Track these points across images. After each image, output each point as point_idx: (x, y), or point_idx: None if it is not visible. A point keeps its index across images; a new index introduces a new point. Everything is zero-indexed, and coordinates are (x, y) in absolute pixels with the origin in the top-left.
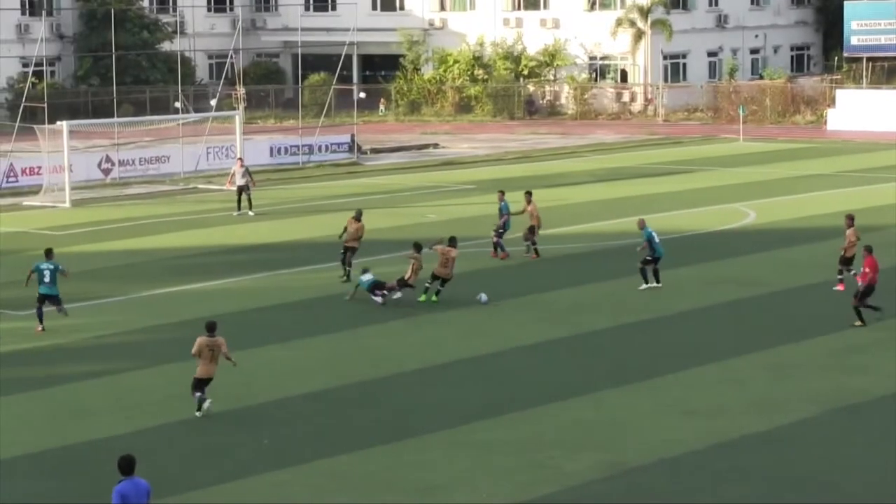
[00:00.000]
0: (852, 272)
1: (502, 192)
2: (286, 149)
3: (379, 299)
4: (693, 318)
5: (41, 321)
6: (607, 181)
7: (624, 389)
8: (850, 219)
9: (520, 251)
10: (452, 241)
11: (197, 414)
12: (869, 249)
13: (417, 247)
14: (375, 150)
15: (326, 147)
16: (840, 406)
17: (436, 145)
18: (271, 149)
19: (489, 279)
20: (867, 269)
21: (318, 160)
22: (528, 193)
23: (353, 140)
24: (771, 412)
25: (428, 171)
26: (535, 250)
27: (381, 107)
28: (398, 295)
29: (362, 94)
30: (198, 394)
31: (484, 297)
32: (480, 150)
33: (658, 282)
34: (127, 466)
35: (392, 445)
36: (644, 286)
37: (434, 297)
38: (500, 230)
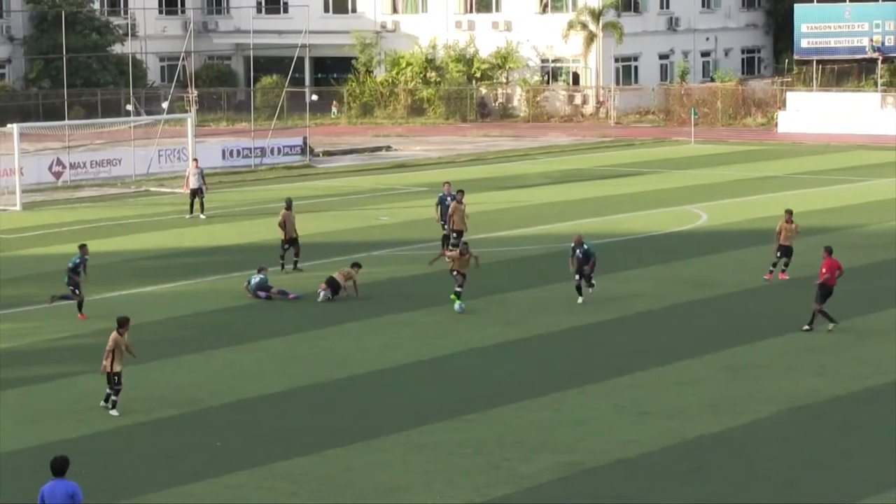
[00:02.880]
0: (781, 262)
1: (448, 184)
2: (238, 151)
3: (263, 294)
4: (648, 319)
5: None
6: (560, 183)
7: (581, 391)
8: (788, 213)
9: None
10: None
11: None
12: (829, 251)
13: (357, 265)
14: (328, 153)
15: (279, 149)
16: (796, 406)
17: (388, 148)
18: (223, 151)
19: (447, 280)
20: (824, 270)
21: (270, 163)
22: (460, 192)
23: (305, 142)
24: (727, 413)
25: (380, 173)
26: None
27: (334, 109)
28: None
29: (314, 97)
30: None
31: (458, 306)
32: (433, 153)
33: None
34: (57, 467)
35: (349, 447)
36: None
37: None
38: (444, 223)
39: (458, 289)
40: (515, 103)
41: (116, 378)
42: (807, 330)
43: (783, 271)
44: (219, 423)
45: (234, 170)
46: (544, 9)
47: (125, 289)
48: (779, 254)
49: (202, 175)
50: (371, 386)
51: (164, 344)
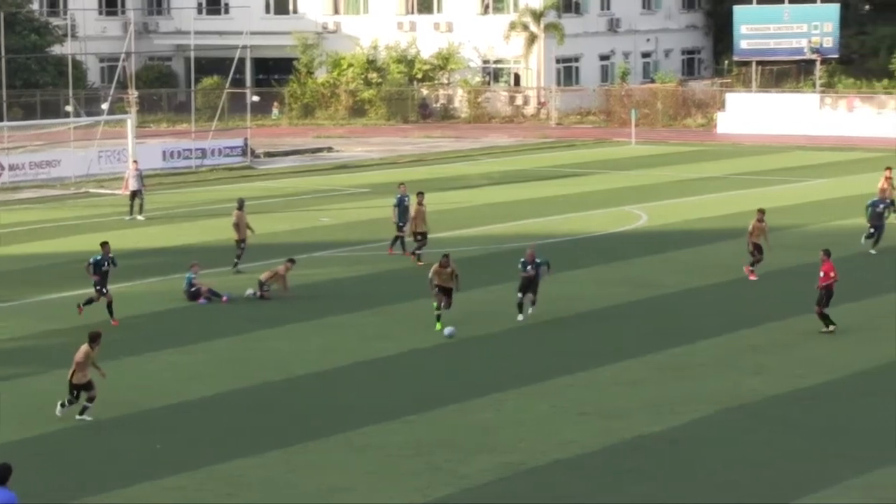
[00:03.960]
0: (755, 264)
1: (403, 185)
2: (179, 153)
3: (203, 301)
4: (589, 320)
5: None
6: (501, 184)
7: (521, 391)
8: (760, 212)
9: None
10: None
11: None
12: (827, 253)
13: (291, 261)
14: (269, 154)
15: (220, 151)
16: (734, 406)
17: (329, 149)
18: (164, 153)
19: (388, 282)
20: (823, 273)
21: (211, 164)
22: (420, 194)
23: (246, 144)
24: (666, 413)
25: (322, 174)
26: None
27: (275, 110)
28: (250, 292)
29: (256, 98)
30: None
31: (449, 330)
32: (374, 154)
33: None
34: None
35: (289, 449)
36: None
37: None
38: (401, 224)
39: (437, 311)
40: (457, 104)
41: (76, 391)
42: (830, 331)
43: (752, 271)
44: (159, 426)
45: (174, 171)
46: (486, 10)
47: (66, 291)
48: (755, 253)
49: (142, 177)
50: (311, 387)
51: (104, 346)
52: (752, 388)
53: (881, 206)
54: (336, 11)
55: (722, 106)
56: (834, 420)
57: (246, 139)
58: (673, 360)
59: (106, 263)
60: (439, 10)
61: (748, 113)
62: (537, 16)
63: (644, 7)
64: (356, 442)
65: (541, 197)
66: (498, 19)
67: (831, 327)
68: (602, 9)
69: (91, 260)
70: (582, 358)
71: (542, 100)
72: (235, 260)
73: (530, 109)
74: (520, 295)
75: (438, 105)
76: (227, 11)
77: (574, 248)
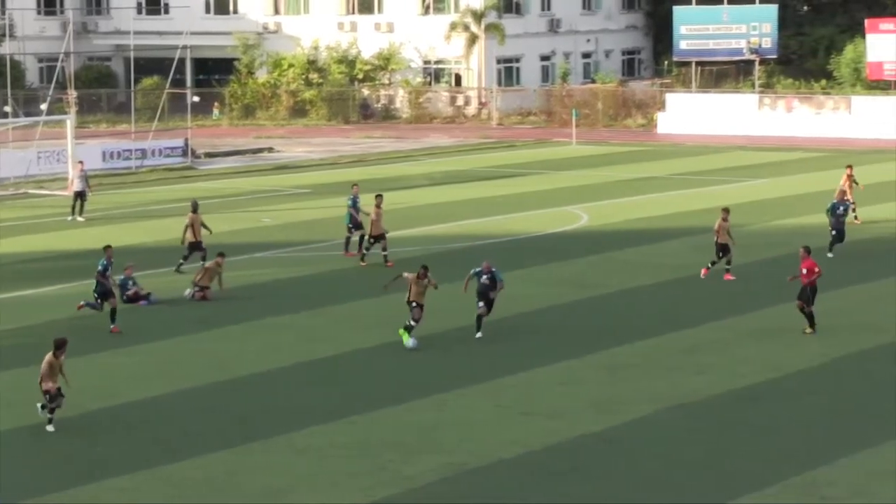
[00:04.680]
0: (724, 262)
1: (356, 186)
2: (119, 153)
3: (144, 303)
4: (530, 320)
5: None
6: (443, 185)
7: (463, 391)
8: (725, 211)
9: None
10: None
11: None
12: (807, 251)
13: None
14: (210, 155)
15: (160, 151)
16: (676, 405)
17: (270, 149)
18: (104, 153)
19: (329, 283)
20: (805, 270)
21: (151, 164)
22: (378, 196)
23: (186, 144)
24: (608, 412)
25: (263, 175)
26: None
27: (215, 111)
28: (189, 291)
29: (196, 98)
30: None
31: (412, 342)
32: (315, 154)
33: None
34: None
35: (231, 450)
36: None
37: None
38: (351, 226)
39: (411, 322)
40: (398, 105)
41: (48, 395)
42: (810, 333)
43: (728, 272)
44: (100, 428)
45: (114, 172)
46: (426, 10)
47: (5, 292)
48: (720, 253)
49: (86, 178)
50: (253, 388)
51: (45, 348)
52: (692, 387)
53: (841, 208)
54: (276, 12)
55: (662, 106)
56: (774, 419)
57: (186, 140)
58: (614, 359)
59: (110, 268)
60: (380, 10)
61: (688, 113)
62: (478, 16)
63: (584, 8)
64: (299, 443)
65: (482, 197)
66: (439, 20)
67: (808, 330)
68: (542, 9)
69: (99, 267)
70: (524, 358)
71: (483, 100)
72: (181, 261)
73: (471, 110)
74: (480, 304)
75: (379, 105)
76: (166, 11)
77: (515, 249)
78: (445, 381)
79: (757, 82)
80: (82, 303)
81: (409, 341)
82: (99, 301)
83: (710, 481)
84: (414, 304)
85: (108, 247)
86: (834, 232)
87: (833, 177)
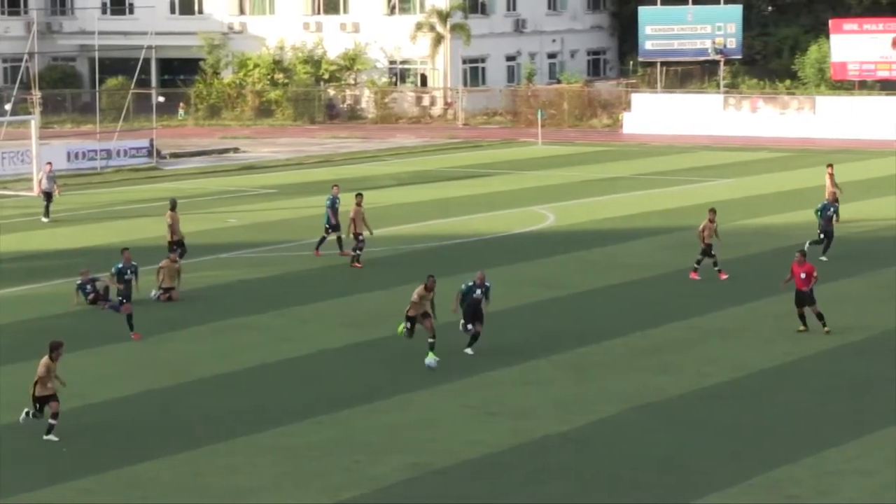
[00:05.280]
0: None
1: (337, 187)
2: (84, 154)
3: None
4: (496, 320)
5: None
6: (409, 185)
7: (429, 392)
8: (712, 212)
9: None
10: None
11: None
12: (804, 255)
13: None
14: (175, 155)
15: (125, 151)
16: (640, 405)
17: (236, 149)
18: (69, 154)
19: (295, 283)
20: (804, 276)
21: (116, 165)
22: (359, 195)
23: (152, 144)
24: (574, 412)
25: (228, 175)
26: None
27: (181, 111)
28: (155, 293)
29: (161, 99)
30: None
31: (432, 361)
32: (281, 155)
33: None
34: None
35: (198, 451)
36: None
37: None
38: (328, 226)
39: (430, 339)
40: (364, 105)
41: (38, 405)
42: (827, 332)
43: (721, 271)
44: (65, 429)
45: (79, 172)
46: (392, 11)
47: None
48: (705, 253)
49: (54, 178)
50: (219, 389)
51: (8, 349)
52: (658, 386)
53: (831, 210)
54: (242, 12)
55: (627, 106)
56: (739, 418)
57: (151, 140)
58: (580, 359)
59: (128, 272)
60: (345, 10)
61: (653, 113)
62: (444, 16)
63: (550, 8)
64: (265, 443)
65: (448, 197)
66: (404, 20)
67: (823, 328)
68: (508, 10)
69: (113, 269)
70: (490, 358)
71: (449, 100)
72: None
73: (437, 110)
74: (469, 326)
75: (345, 106)
76: (131, 11)
77: (481, 249)
78: (411, 381)
79: (722, 82)
80: (106, 305)
81: (431, 360)
82: (123, 302)
83: (676, 481)
84: (413, 319)
85: (125, 249)
86: (821, 234)
87: (798, 177)
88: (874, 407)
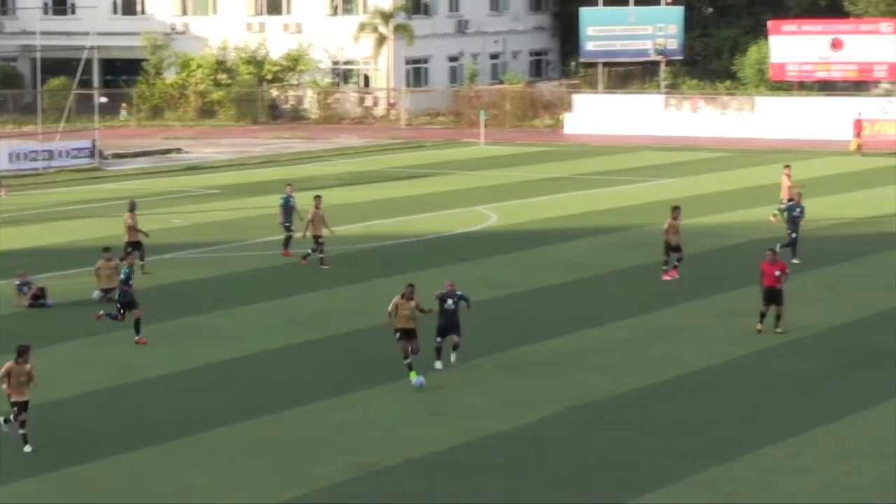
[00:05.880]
0: (673, 259)
1: (290, 186)
2: (26, 154)
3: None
4: (420, 321)
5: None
6: (352, 185)
7: (373, 391)
8: (675, 210)
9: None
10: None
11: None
12: (774, 252)
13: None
14: (118, 156)
15: (67, 152)
16: (583, 404)
17: (179, 150)
18: (10, 154)
19: (239, 283)
20: (777, 273)
21: (58, 165)
22: (317, 198)
23: (94, 145)
24: (516, 411)
25: (171, 175)
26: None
27: (123, 112)
28: (97, 293)
29: (104, 99)
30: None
31: (419, 381)
32: (224, 155)
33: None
34: None
35: (141, 451)
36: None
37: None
38: (289, 224)
39: (406, 360)
40: (307, 105)
41: (16, 409)
42: (781, 332)
43: (675, 268)
44: (7, 430)
45: (21, 173)
46: (335, 11)
47: None
48: (670, 252)
49: (0, 180)
50: (162, 390)
51: None
52: (599, 385)
53: (797, 210)
54: (184, 12)
55: (569, 107)
56: (679, 416)
57: (94, 140)
58: (522, 358)
59: (131, 277)
60: (288, 11)
61: (595, 114)
62: (386, 17)
63: (492, 9)
64: (209, 444)
65: (391, 198)
66: (347, 21)
67: (775, 328)
68: (451, 10)
69: (122, 274)
70: (432, 357)
71: (392, 101)
72: (141, 262)
73: (380, 110)
74: (439, 339)
75: (288, 106)
76: (73, 12)
77: (425, 249)
78: (354, 381)
79: (663, 83)
80: (101, 312)
81: (415, 379)
82: (122, 311)
83: (617, 478)
84: (398, 333)
85: (129, 254)
86: (794, 235)
87: (738, 177)
88: (813, 405)
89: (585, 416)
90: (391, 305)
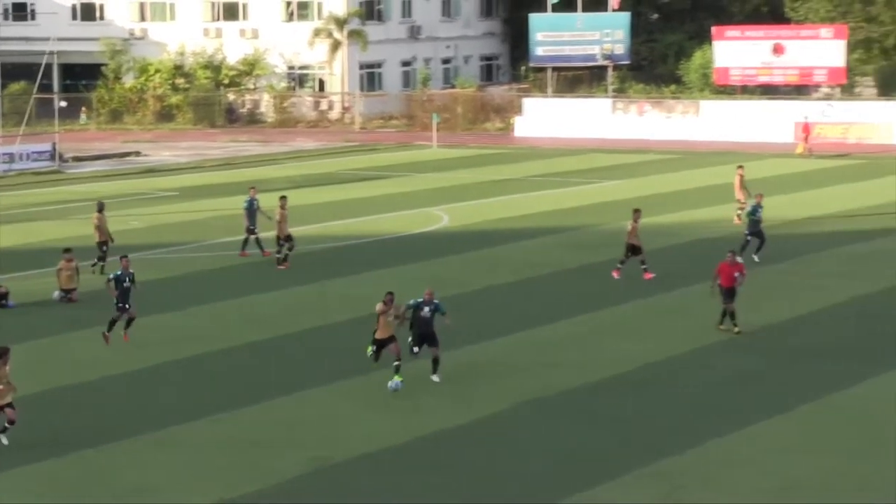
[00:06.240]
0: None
1: (254, 189)
2: None
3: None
4: (374, 319)
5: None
6: (307, 187)
7: (327, 388)
8: (636, 212)
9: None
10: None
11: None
12: (733, 253)
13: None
14: (77, 159)
15: (27, 155)
16: (532, 399)
17: (137, 153)
18: None
19: (196, 283)
20: (737, 274)
21: (19, 168)
22: (283, 199)
23: (54, 148)
24: (466, 407)
25: (130, 178)
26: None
27: (83, 115)
28: (57, 294)
29: (63, 103)
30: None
31: (396, 384)
32: (182, 158)
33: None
34: None
35: (101, 448)
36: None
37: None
38: (252, 227)
39: (396, 362)
40: (263, 109)
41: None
42: (726, 330)
43: (647, 270)
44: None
45: None
46: (290, 17)
47: None
48: (629, 253)
49: None
50: (120, 388)
51: None
52: (548, 382)
53: (759, 212)
54: (143, 18)
55: (519, 110)
56: (627, 411)
57: (54, 144)
58: (473, 356)
59: (126, 279)
60: (245, 17)
61: (544, 117)
62: (341, 23)
63: (444, 15)
64: (166, 440)
65: (345, 199)
66: (302, 26)
67: (719, 325)
68: (403, 16)
69: (111, 276)
70: (383, 355)
71: (347, 105)
72: (95, 261)
73: (335, 114)
74: (416, 349)
75: (245, 110)
76: (33, 17)
77: (378, 249)
78: (309, 378)
79: (610, 87)
80: (106, 332)
81: (393, 382)
82: (125, 306)
83: (566, 472)
84: (380, 344)
85: (123, 257)
86: (752, 235)
87: (683, 178)
88: (756, 399)
89: (535, 411)
90: (376, 308)
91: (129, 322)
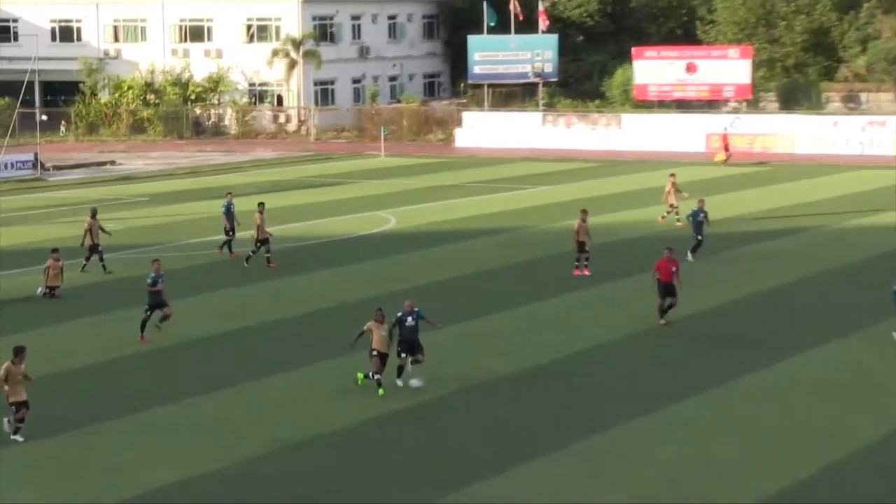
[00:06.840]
0: (586, 259)
1: (230, 194)
2: None
3: None
4: (346, 311)
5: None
6: (267, 192)
7: (287, 375)
8: (584, 212)
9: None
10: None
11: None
12: (670, 250)
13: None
14: (57, 167)
15: (12, 165)
16: (472, 384)
17: (113, 162)
18: None
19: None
20: (674, 269)
21: (3, 177)
22: (261, 204)
23: (36, 158)
24: (414, 392)
25: (106, 185)
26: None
27: (62, 128)
28: (41, 290)
29: (44, 117)
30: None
31: (416, 382)
32: (153, 167)
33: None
34: None
35: (80, 431)
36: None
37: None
38: (230, 231)
39: (377, 376)
40: (227, 122)
41: (14, 408)
42: (663, 324)
43: (586, 267)
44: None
45: None
46: (251, 39)
47: None
48: (579, 251)
49: None
50: (101, 375)
51: None
52: (487, 368)
53: (701, 215)
54: (117, 39)
55: (459, 123)
56: (558, 394)
57: (36, 154)
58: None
59: (158, 281)
60: (210, 38)
61: (482, 129)
62: (297, 44)
63: (390, 37)
64: (141, 423)
65: (302, 203)
66: (262, 47)
67: (662, 322)
68: (354, 38)
69: (148, 279)
70: (342, 345)
71: (303, 118)
72: (84, 262)
73: (292, 126)
74: (404, 356)
75: (210, 123)
76: (16, 39)
77: (332, 249)
78: (271, 366)
79: (541, 102)
80: (142, 335)
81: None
82: (149, 312)
83: (505, 450)
84: (375, 352)
85: (155, 261)
86: (699, 237)
87: (607, 184)
88: (673, 384)
89: (475, 395)
90: (366, 328)
91: (163, 318)
